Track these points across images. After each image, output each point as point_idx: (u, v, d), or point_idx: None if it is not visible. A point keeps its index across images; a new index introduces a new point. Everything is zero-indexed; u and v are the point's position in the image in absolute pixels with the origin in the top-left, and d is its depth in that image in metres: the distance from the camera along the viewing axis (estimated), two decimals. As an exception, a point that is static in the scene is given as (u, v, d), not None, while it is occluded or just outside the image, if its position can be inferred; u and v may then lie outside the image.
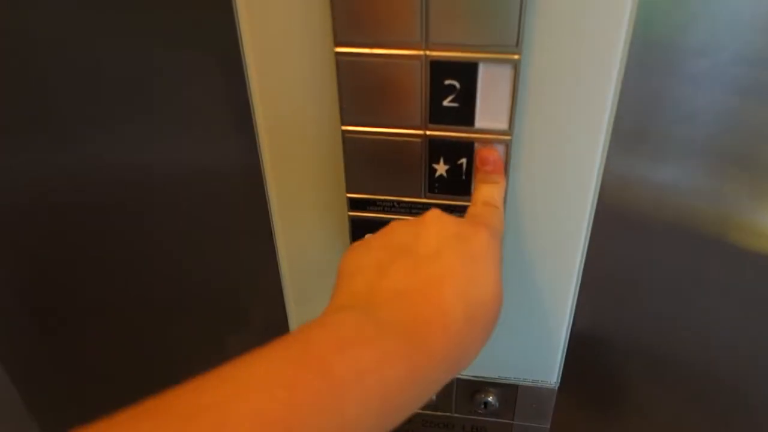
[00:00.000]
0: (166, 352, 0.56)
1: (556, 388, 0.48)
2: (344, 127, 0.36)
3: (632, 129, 0.37)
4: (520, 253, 0.41)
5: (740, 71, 0.36)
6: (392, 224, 0.33)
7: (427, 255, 0.29)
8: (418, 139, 0.36)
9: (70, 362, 0.60)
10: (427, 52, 0.32)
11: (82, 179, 0.46)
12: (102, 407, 0.21)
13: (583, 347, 0.48)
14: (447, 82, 0.33)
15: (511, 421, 0.51)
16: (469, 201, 0.37)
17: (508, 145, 0.35)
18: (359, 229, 0.40)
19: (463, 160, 0.36)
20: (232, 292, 0.50)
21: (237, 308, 0.51)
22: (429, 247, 0.29)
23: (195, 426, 0.20)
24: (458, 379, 0.50)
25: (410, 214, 0.39)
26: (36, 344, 0.59)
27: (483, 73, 0.33)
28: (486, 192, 0.35)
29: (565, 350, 0.47)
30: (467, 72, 0.33)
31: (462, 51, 0.32)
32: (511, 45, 0.32)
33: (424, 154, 0.36)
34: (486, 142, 0.35)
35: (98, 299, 0.54)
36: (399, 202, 0.39)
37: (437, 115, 0.34)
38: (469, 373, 0.49)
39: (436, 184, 0.37)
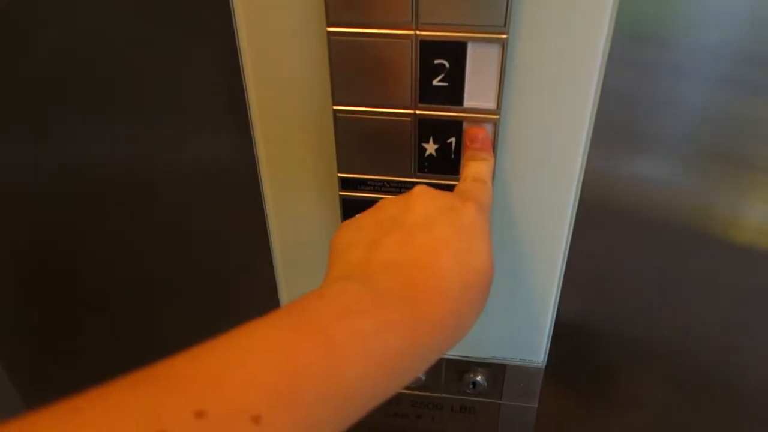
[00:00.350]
0: (155, 329, 0.56)
1: (543, 366, 0.49)
2: (335, 107, 0.37)
3: (615, 121, 0.38)
4: (506, 232, 0.42)
5: (722, 65, 0.37)
6: (381, 201, 0.33)
7: (419, 226, 0.30)
8: (408, 119, 0.36)
9: (65, 353, 0.60)
10: (417, 32, 0.33)
11: (74, 168, 0.47)
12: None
13: (569, 327, 0.49)
14: (436, 61, 0.34)
15: (499, 401, 0.52)
16: (457, 180, 0.38)
17: (496, 124, 0.36)
18: (350, 209, 0.41)
19: (452, 139, 0.37)
20: (225, 272, 0.51)
21: (229, 288, 0.52)
22: (419, 220, 0.30)
23: (192, 391, 0.20)
24: (447, 360, 0.50)
25: (400, 193, 0.40)
26: (33, 336, 0.59)
27: (471, 52, 0.34)
28: (474, 169, 0.36)
29: (552, 329, 0.48)
30: (456, 52, 0.34)
31: (451, 31, 0.33)
32: (499, 25, 0.32)
33: (413, 134, 0.37)
34: (474, 122, 0.36)
35: (94, 288, 0.54)
36: (389, 181, 0.39)
37: (427, 95, 0.35)
38: (457, 352, 0.50)
39: (426, 164, 0.38)
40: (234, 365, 0.22)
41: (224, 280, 0.52)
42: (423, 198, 0.31)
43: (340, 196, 0.41)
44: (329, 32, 0.34)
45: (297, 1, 0.34)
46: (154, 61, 0.41)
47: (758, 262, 0.45)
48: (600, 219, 0.44)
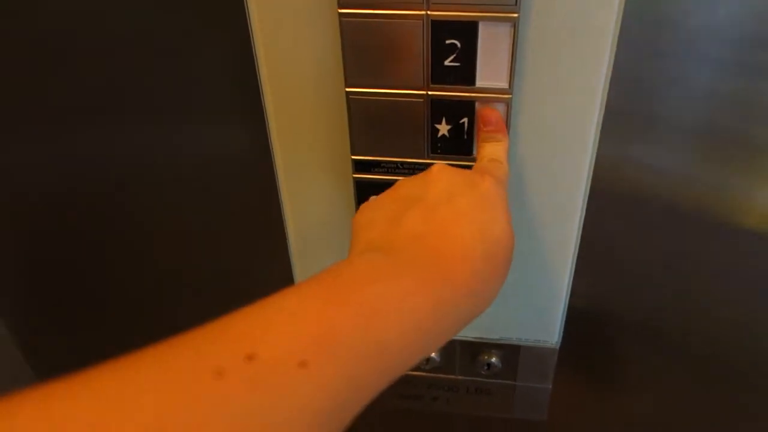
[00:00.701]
0: (170, 315, 0.57)
1: (558, 347, 0.50)
2: (348, 89, 0.37)
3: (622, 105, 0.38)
4: (519, 213, 0.42)
5: (735, 52, 0.37)
6: (399, 181, 0.34)
7: (439, 201, 0.30)
8: (421, 100, 0.37)
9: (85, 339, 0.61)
10: (429, 12, 0.33)
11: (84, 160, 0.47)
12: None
13: (582, 308, 0.49)
14: (448, 41, 0.34)
15: (514, 382, 0.52)
16: (470, 161, 0.38)
17: (508, 104, 0.36)
18: (364, 191, 0.41)
19: (465, 120, 0.37)
20: (240, 257, 0.51)
21: (243, 271, 0.53)
22: (439, 195, 0.31)
23: (244, 338, 0.22)
24: (461, 342, 0.51)
25: (414, 174, 0.40)
26: (53, 321, 0.60)
27: (483, 32, 0.34)
28: (490, 149, 0.36)
29: (566, 310, 0.48)
30: (468, 31, 0.34)
31: (462, 10, 0.33)
32: (510, 4, 0.32)
33: (426, 115, 0.37)
34: (487, 101, 0.36)
35: (104, 259, 0.55)
36: (403, 163, 0.40)
37: (439, 75, 0.35)
38: (471, 334, 0.50)
39: (439, 144, 0.38)
40: (280, 318, 0.23)
41: (239, 265, 0.52)
42: (442, 174, 0.32)
43: (354, 178, 0.41)
44: (341, 14, 0.34)
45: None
46: (166, 45, 0.41)
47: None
48: (611, 202, 0.44)
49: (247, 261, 0.52)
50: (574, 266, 0.45)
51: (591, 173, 0.40)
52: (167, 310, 0.57)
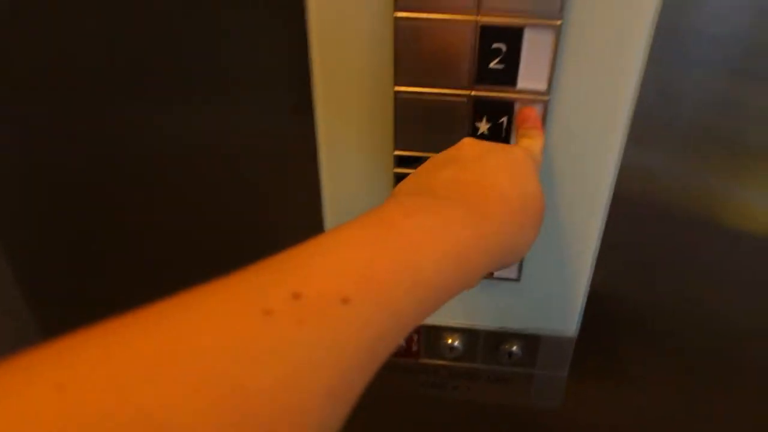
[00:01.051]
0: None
1: (575, 337, 0.52)
2: (397, 88, 0.39)
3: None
4: (546, 209, 0.45)
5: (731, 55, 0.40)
6: (432, 156, 0.36)
7: (474, 159, 0.33)
8: (464, 99, 0.39)
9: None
10: (479, 18, 0.36)
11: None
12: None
13: (599, 301, 0.52)
14: (495, 45, 0.37)
15: (533, 370, 0.55)
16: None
17: (546, 105, 0.39)
18: (403, 185, 0.44)
19: (504, 119, 0.40)
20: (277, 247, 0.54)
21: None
22: (473, 155, 0.33)
23: (291, 277, 0.23)
24: (485, 331, 0.53)
25: (452, 169, 0.42)
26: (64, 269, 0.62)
27: (528, 37, 0.36)
28: (526, 143, 0.39)
29: (585, 301, 0.50)
30: (514, 36, 0.36)
31: (510, 17, 0.36)
32: (555, 11, 0.35)
33: (468, 113, 0.40)
34: (526, 102, 0.39)
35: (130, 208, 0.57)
36: (442, 158, 0.42)
37: (483, 77, 0.38)
38: (494, 324, 0.53)
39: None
40: (323, 257, 0.25)
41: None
42: (472, 141, 0.35)
43: (395, 173, 0.43)
44: (396, 17, 0.37)
45: (367, -11, 0.37)
46: (224, 39, 0.44)
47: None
48: (631, 206, 0.47)
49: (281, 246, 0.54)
50: (594, 262, 0.48)
51: (616, 174, 0.43)
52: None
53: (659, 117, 0.43)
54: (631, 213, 0.47)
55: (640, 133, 0.43)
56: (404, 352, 0.55)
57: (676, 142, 0.44)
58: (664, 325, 0.55)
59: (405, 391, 0.59)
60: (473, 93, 0.39)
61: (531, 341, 0.53)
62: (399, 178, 0.43)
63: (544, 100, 0.39)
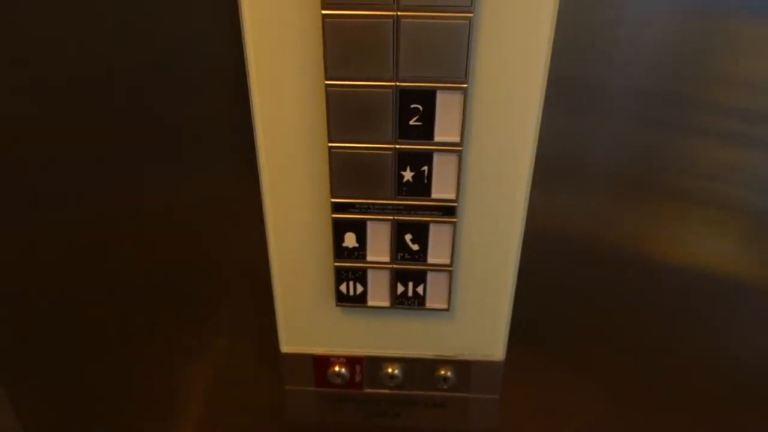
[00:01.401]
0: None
1: (503, 361, 0.58)
2: (330, 144, 0.45)
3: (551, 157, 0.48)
4: (463, 246, 0.51)
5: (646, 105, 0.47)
6: None
7: None
8: (390, 152, 0.45)
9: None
10: (398, 84, 0.42)
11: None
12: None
13: (524, 327, 0.58)
14: (413, 106, 0.43)
15: (467, 394, 0.60)
16: (429, 201, 0.47)
17: (459, 154, 0.45)
18: (340, 228, 0.49)
19: (425, 167, 0.46)
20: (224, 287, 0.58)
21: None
22: None
23: None
24: (420, 359, 0.58)
25: (383, 213, 0.48)
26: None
27: (440, 98, 0.43)
28: None
29: (509, 328, 0.56)
30: (428, 97, 0.43)
31: (424, 82, 0.42)
32: (461, 76, 0.42)
33: (394, 164, 0.46)
34: (443, 152, 0.45)
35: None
36: (374, 204, 0.48)
37: (405, 132, 0.44)
38: (428, 352, 0.58)
39: (404, 188, 0.47)
40: None
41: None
42: None
43: (332, 218, 0.49)
44: (327, 85, 0.43)
45: (300, 62, 0.43)
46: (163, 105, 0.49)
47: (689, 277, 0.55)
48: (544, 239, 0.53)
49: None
50: (513, 291, 0.54)
51: (525, 213, 0.49)
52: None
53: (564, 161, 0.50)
54: (542, 247, 0.54)
55: (546, 177, 0.49)
56: (348, 383, 0.60)
57: (580, 184, 0.51)
58: (584, 348, 0.61)
59: (351, 420, 0.63)
60: (397, 146, 0.45)
61: (463, 366, 0.58)
62: (336, 222, 0.49)
63: (458, 150, 0.45)
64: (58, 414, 0.69)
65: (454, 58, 0.41)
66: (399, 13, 0.40)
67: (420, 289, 0.52)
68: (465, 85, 0.42)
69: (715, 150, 0.50)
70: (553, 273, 0.56)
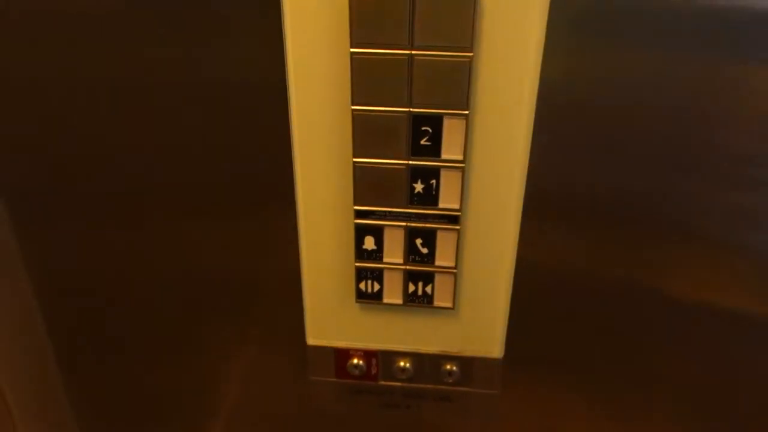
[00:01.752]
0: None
1: (501, 358, 0.66)
2: (355, 159, 0.54)
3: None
4: (469, 256, 0.59)
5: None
6: None
7: None
8: (404, 167, 0.54)
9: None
10: (411, 110, 0.52)
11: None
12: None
13: (522, 326, 0.66)
14: (423, 128, 0.52)
15: (470, 389, 0.68)
16: (437, 209, 0.56)
17: (462, 171, 0.54)
18: (361, 233, 0.58)
19: (434, 181, 0.55)
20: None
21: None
22: None
23: None
24: (429, 355, 0.66)
25: (397, 220, 0.57)
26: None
27: (446, 123, 0.52)
28: None
29: (506, 329, 0.64)
30: (436, 122, 0.52)
31: (432, 109, 0.51)
32: (463, 105, 0.51)
33: (407, 177, 0.55)
34: (449, 169, 0.54)
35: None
36: (390, 212, 0.57)
37: (416, 151, 0.53)
38: (436, 348, 0.66)
39: (415, 198, 0.56)
40: None
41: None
42: None
43: (355, 223, 0.58)
44: (353, 110, 0.52)
45: (331, 90, 0.52)
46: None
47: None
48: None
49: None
50: (510, 294, 0.62)
51: (519, 221, 0.58)
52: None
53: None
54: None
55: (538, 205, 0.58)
56: (365, 375, 0.68)
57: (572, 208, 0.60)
58: (580, 351, 0.69)
59: (367, 410, 0.71)
60: (410, 162, 0.54)
61: (466, 362, 0.66)
62: (358, 228, 0.58)
63: (461, 167, 0.54)
64: (108, 404, 0.78)
65: (457, 90, 0.51)
66: (413, 52, 0.50)
67: (429, 289, 0.61)
68: (466, 112, 0.51)
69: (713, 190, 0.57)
70: (549, 274, 0.64)
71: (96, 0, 0.53)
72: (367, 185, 0.56)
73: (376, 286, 0.61)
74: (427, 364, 0.67)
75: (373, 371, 0.68)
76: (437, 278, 0.60)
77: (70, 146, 0.61)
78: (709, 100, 0.53)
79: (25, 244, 0.67)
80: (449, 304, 0.62)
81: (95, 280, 0.69)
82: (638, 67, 0.52)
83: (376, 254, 0.59)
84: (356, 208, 0.57)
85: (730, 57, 0.51)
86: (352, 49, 0.50)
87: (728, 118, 0.54)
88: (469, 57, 0.49)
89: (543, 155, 0.55)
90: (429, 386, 0.68)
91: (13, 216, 0.65)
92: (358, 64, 0.50)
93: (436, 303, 0.62)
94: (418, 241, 0.58)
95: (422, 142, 0.53)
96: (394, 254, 0.59)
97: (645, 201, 0.59)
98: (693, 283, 0.64)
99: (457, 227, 0.57)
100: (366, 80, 0.51)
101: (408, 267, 0.60)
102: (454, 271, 0.60)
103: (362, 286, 0.61)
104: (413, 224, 0.57)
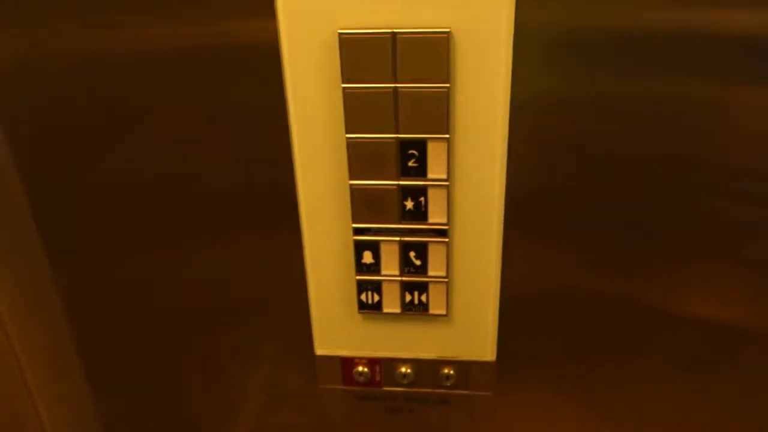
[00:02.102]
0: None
1: (494, 361, 0.71)
2: (351, 182, 0.61)
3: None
4: (459, 267, 0.65)
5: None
6: None
7: None
8: (395, 187, 0.61)
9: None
10: (398, 136, 0.58)
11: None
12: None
13: (512, 330, 0.71)
14: (410, 152, 0.59)
15: (467, 392, 0.74)
16: (426, 224, 0.62)
17: (447, 188, 0.61)
18: (360, 248, 0.65)
19: (422, 198, 0.61)
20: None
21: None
22: None
23: None
24: (428, 360, 0.72)
25: (391, 235, 0.64)
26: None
27: (430, 146, 0.59)
28: None
29: (496, 331, 0.70)
30: (421, 146, 0.59)
31: (417, 134, 0.58)
32: (444, 131, 0.58)
33: (398, 196, 0.61)
34: (435, 187, 0.61)
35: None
36: (384, 228, 0.63)
37: (405, 172, 0.60)
38: (433, 354, 0.72)
39: (407, 215, 0.62)
40: None
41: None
42: None
43: (354, 240, 0.64)
44: (347, 137, 0.59)
45: (328, 121, 0.59)
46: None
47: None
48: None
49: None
50: (498, 299, 0.68)
51: (502, 232, 0.64)
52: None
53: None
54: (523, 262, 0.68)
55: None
56: (370, 381, 0.74)
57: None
58: (568, 355, 0.74)
59: (373, 415, 0.76)
60: (400, 182, 0.61)
61: (462, 366, 0.72)
62: (357, 243, 0.64)
63: (446, 185, 0.61)
64: (134, 411, 0.84)
65: (438, 117, 0.58)
66: (397, 85, 0.57)
67: (424, 298, 0.67)
68: (447, 136, 0.58)
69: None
70: (535, 285, 0.70)
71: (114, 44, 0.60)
72: (363, 204, 0.62)
73: (376, 297, 0.67)
74: (427, 369, 0.73)
75: (377, 378, 0.73)
76: (431, 287, 0.66)
77: (97, 176, 0.68)
78: (693, 120, 0.59)
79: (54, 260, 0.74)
80: (443, 311, 0.68)
81: (116, 299, 0.75)
82: (605, 87, 0.59)
83: (374, 267, 0.66)
84: (354, 225, 0.64)
85: (711, 76, 0.57)
86: (343, 85, 0.57)
87: (710, 136, 0.60)
88: (446, 87, 0.56)
89: (528, 173, 0.62)
90: (429, 390, 0.74)
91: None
92: (349, 98, 0.57)
93: (431, 311, 0.68)
94: (412, 254, 0.65)
95: (410, 164, 0.60)
96: (390, 267, 0.66)
97: (627, 211, 0.65)
98: (677, 293, 0.69)
99: (446, 240, 0.63)
100: (357, 111, 0.58)
101: (404, 278, 0.66)
102: (446, 280, 0.66)
103: (363, 297, 0.67)
104: (406, 238, 0.64)
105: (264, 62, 0.59)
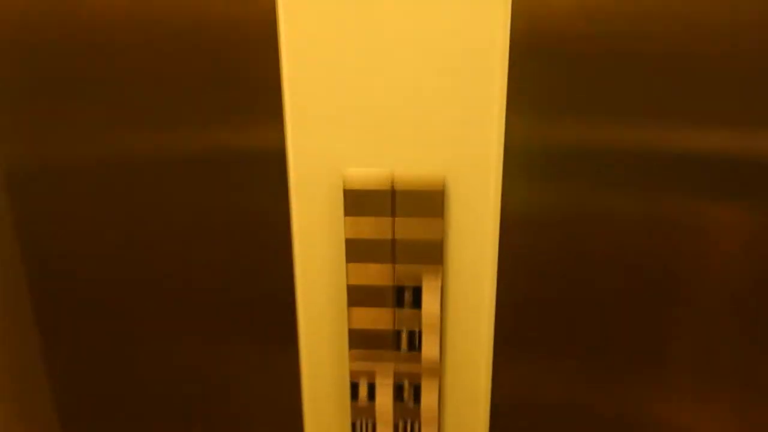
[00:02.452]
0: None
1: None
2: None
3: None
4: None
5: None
6: None
7: None
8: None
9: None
10: (395, 265, 0.61)
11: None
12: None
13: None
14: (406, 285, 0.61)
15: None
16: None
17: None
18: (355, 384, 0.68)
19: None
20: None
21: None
22: None
23: None
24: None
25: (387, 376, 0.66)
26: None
27: (425, 280, 0.61)
28: None
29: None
30: (416, 278, 0.61)
31: (413, 263, 0.60)
32: (437, 262, 0.60)
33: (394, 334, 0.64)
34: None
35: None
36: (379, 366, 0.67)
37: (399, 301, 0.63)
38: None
39: (401, 348, 0.65)
40: None
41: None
42: None
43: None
44: (348, 266, 0.61)
45: (329, 248, 0.62)
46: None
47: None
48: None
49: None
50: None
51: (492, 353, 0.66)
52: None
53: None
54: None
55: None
56: None
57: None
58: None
59: None
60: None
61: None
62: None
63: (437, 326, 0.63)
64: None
65: (432, 249, 0.59)
66: (395, 218, 0.59)
67: None
68: (441, 266, 0.60)
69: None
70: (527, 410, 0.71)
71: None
72: (361, 344, 0.65)
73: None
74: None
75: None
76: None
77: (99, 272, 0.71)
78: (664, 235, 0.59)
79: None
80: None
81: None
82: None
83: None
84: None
85: (693, 193, 0.57)
86: (346, 216, 0.59)
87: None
88: (440, 221, 0.58)
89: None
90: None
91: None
92: (350, 227, 0.59)
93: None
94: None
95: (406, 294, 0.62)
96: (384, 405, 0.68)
97: (618, 330, 0.65)
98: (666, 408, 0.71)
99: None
100: (357, 241, 0.60)
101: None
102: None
103: None
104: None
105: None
